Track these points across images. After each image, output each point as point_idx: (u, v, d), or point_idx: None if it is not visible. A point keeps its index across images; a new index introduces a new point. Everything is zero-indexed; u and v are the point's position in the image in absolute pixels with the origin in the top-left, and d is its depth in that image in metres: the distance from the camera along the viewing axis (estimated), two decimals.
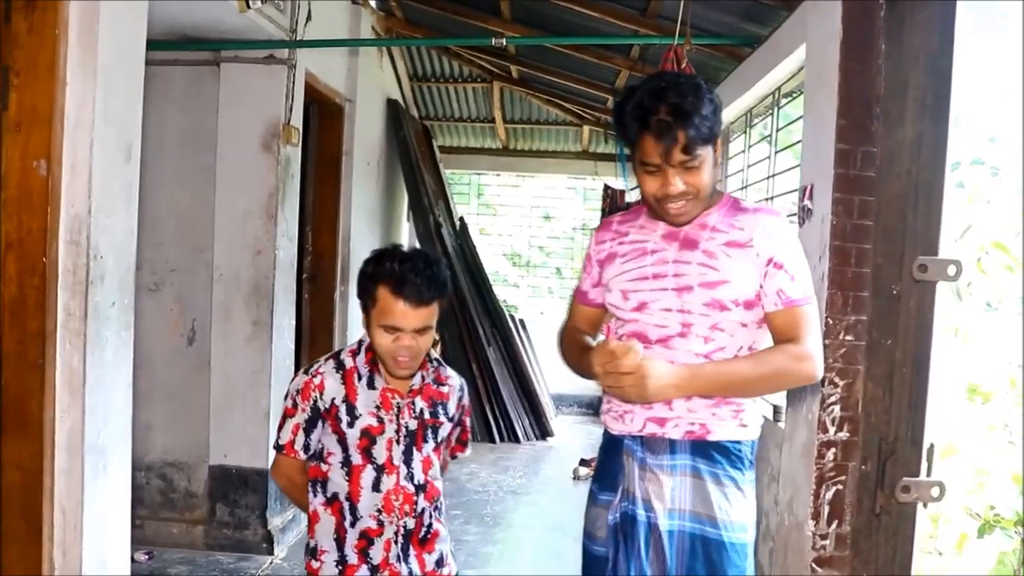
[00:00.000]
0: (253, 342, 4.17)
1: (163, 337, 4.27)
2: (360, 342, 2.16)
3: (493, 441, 7.03)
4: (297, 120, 4.26)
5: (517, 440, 7.10)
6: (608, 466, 2.07)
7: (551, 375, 7.99)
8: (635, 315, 2.01)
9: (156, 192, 4.24)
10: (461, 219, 7.98)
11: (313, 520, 2.13)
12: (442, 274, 2.01)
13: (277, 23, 3.99)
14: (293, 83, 4.16)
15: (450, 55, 7.33)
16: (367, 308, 2.03)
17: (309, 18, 4.20)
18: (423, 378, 2.15)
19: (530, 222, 11.40)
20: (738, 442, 1.93)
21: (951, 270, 2.17)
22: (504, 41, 4.03)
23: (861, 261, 2.52)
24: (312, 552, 2.13)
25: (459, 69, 7.69)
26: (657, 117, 1.81)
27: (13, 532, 2.35)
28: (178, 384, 4.28)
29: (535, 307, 11.59)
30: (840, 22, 2.55)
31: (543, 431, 7.31)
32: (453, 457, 2.39)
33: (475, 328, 7.15)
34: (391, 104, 7.10)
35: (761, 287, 1.90)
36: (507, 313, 7.78)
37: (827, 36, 2.64)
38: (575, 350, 2.15)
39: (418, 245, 7.43)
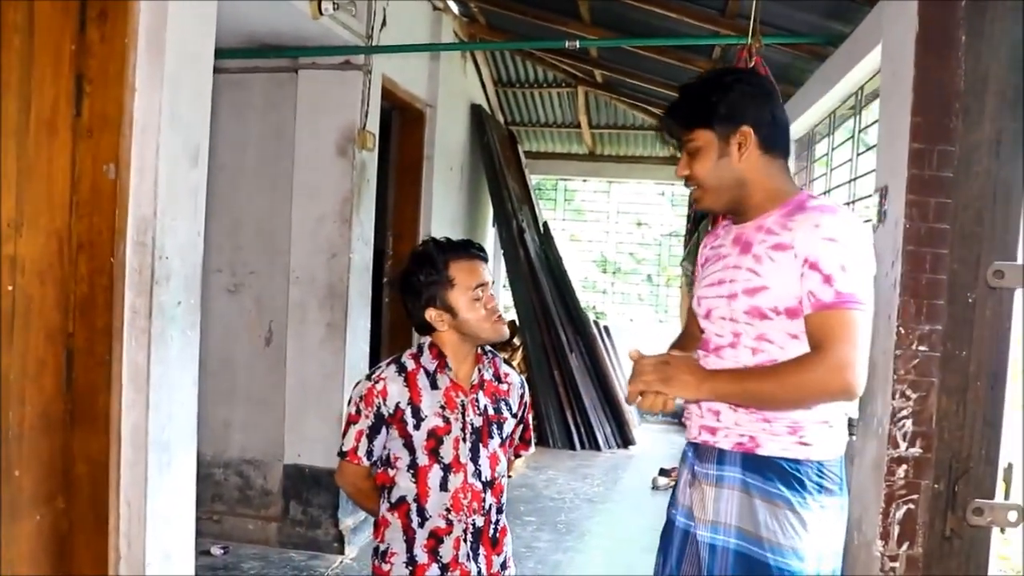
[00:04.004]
0: (327, 344, 4.24)
1: (242, 338, 4.40)
2: (420, 345, 2.18)
3: (573, 448, 6.98)
4: (373, 125, 4.32)
5: (598, 448, 7.02)
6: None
7: None
8: (705, 323, 1.98)
9: (237, 197, 4.38)
10: (545, 224, 7.95)
11: (382, 524, 2.14)
12: None
13: (352, 29, 4.05)
14: (369, 88, 4.22)
15: (534, 60, 7.33)
16: (443, 298, 2.10)
17: (384, 24, 4.26)
18: (481, 373, 2.17)
19: (619, 228, 11.28)
20: (796, 461, 1.77)
21: None
22: (577, 43, 4.01)
23: (936, 267, 2.37)
24: (382, 555, 2.13)
25: (544, 74, 7.68)
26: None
27: (81, 521, 2.44)
28: (256, 384, 4.39)
29: (624, 314, 11.45)
30: (917, 13, 2.41)
31: (625, 439, 7.21)
32: (517, 455, 2.39)
33: (557, 334, 7.11)
34: (475, 109, 7.15)
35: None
36: (590, 319, 7.70)
37: (903, 29, 2.50)
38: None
39: (502, 250, 7.46)
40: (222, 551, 4.17)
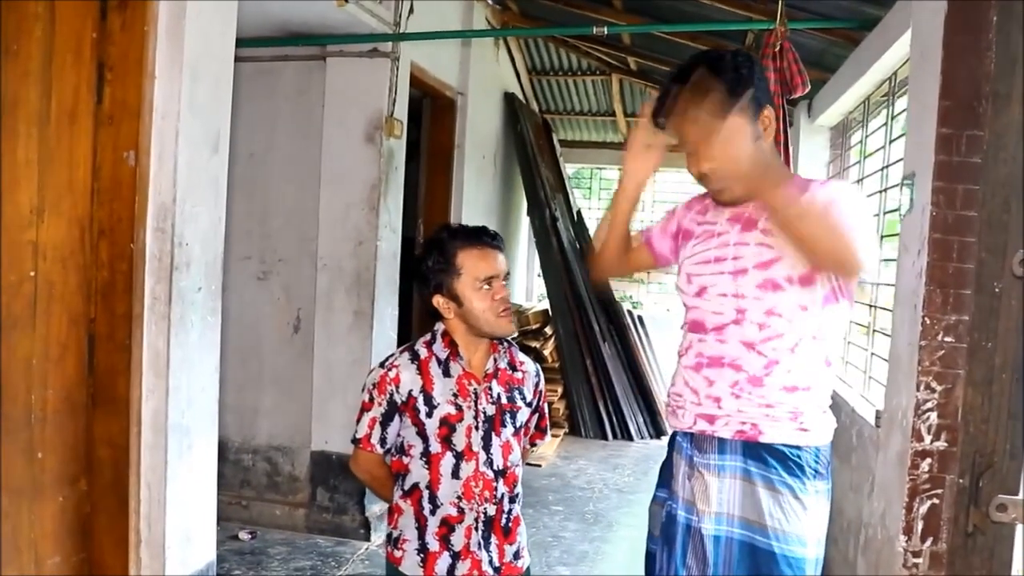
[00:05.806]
0: (354, 332, 4.26)
1: (271, 325, 4.44)
2: (433, 332, 2.16)
3: (605, 438, 6.94)
4: (401, 113, 4.32)
5: (630, 438, 6.98)
6: (667, 463, 2.03)
7: (670, 373, 7.80)
8: (696, 301, 1.97)
9: (267, 184, 4.42)
10: (579, 212, 7.90)
11: (395, 512, 2.15)
12: None
13: (380, 17, 4.05)
14: (396, 76, 4.21)
15: (568, 48, 7.28)
16: (450, 286, 2.08)
17: (411, 12, 4.25)
18: (496, 361, 2.15)
19: (657, 217, 11.19)
20: (797, 447, 1.79)
21: None
22: (605, 30, 3.96)
23: (964, 256, 2.29)
24: (395, 541, 2.13)
25: (577, 62, 7.62)
26: (672, 92, 1.86)
27: (103, 503, 2.49)
28: (284, 371, 4.43)
29: (661, 304, 11.35)
30: None
31: (658, 430, 7.15)
32: (533, 445, 2.37)
33: (590, 323, 7.06)
34: (508, 97, 7.12)
35: None
36: (624, 309, 7.65)
37: (933, 9, 2.42)
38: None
39: (535, 238, 7.44)
40: (250, 536, 4.22)
